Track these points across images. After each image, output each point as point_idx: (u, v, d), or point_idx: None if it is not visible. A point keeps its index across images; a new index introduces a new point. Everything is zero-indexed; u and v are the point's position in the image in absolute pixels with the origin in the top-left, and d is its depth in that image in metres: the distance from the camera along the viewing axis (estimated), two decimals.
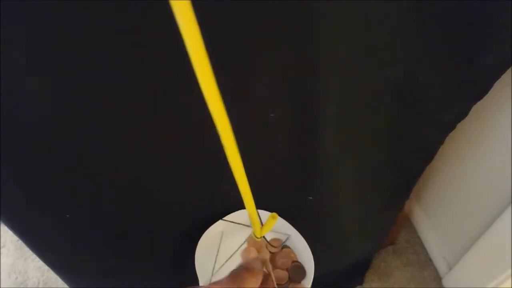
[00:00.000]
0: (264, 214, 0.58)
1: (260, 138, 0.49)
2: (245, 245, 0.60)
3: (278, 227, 0.59)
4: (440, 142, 0.59)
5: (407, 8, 0.40)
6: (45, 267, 1.20)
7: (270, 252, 0.61)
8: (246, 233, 0.60)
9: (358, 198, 0.67)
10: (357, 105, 0.49)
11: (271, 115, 0.46)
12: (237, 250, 0.59)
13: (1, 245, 1.26)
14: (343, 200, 0.66)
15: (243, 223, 0.60)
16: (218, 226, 0.59)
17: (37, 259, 1.18)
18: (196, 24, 0.22)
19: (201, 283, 0.58)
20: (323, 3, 0.36)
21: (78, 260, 0.62)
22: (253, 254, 0.62)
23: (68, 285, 0.67)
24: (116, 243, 0.61)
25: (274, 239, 0.61)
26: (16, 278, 1.19)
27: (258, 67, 0.41)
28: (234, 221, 0.58)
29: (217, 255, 0.59)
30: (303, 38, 0.39)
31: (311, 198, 0.62)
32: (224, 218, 0.58)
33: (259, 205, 0.58)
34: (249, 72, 0.41)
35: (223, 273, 0.57)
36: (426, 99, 0.52)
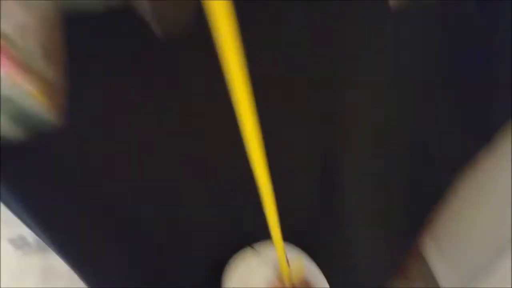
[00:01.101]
0: (289, 248, 0.61)
1: (287, 176, 0.53)
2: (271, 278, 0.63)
3: (310, 273, 0.62)
4: (450, 185, 0.63)
5: (419, 70, 0.45)
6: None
7: None
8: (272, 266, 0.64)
9: (371, 233, 0.71)
10: (372, 153, 0.53)
11: (296, 158, 0.50)
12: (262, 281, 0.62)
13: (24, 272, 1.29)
14: (357, 234, 0.70)
15: (270, 256, 0.63)
16: (247, 253, 0.62)
17: (60, 285, 1.20)
18: (243, 69, 0.25)
19: None
20: (349, 68, 0.41)
21: (108, 283, 0.65)
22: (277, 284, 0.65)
23: None
24: (145, 269, 0.64)
25: (304, 281, 0.64)
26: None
27: (288, 116, 0.45)
28: (262, 252, 0.62)
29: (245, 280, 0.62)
30: (331, 94, 0.43)
31: (328, 232, 0.65)
32: (253, 245, 0.61)
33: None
34: (280, 121, 0.45)
35: None
36: (437, 147, 0.56)
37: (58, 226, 0.51)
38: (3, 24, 0.16)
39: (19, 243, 1.23)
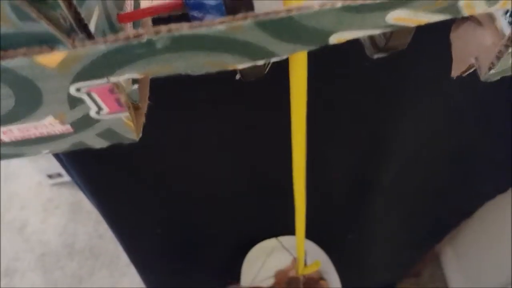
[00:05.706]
0: (310, 245, 0.64)
1: (322, 182, 0.55)
2: (286, 266, 0.67)
3: (325, 270, 0.66)
4: (479, 206, 0.64)
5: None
6: (95, 233, 1.31)
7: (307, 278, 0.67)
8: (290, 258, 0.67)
9: (393, 240, 0.73)
10: (413, 171, 0.54)
11: (333, 169, 0.52)
12: (277, 270, 0.66)
13: (55, 205, 1.39)
14: (378, 239, 0.72)
15: (292, 249, 0.67)
16: (270, 242, 0.66)
17: (88, 224, 1.30)
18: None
19: (242, 283, 0.66)
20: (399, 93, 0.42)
21: (153, 261, 0.72)
22: (292, 274, 0.68)
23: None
24: (185, 251, 0.70)
25: (316, 271, 0.68)
26: (66, 239, 1.31)
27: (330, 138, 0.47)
28: (285, 245, 0.65)
29: (261, 266, 0.66)
30: (377, 114, 0.45)
31: (350, 237, 0.68)
32: (278, 237, 0.65)
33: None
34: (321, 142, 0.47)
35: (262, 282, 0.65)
36: (474, 172, 0.56)
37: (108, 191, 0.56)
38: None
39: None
